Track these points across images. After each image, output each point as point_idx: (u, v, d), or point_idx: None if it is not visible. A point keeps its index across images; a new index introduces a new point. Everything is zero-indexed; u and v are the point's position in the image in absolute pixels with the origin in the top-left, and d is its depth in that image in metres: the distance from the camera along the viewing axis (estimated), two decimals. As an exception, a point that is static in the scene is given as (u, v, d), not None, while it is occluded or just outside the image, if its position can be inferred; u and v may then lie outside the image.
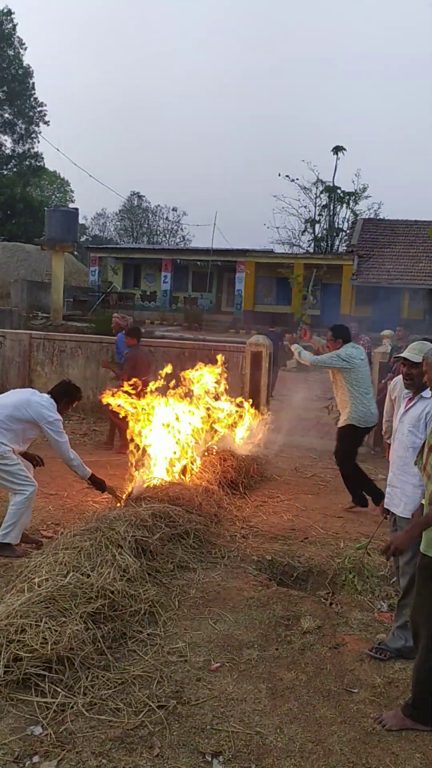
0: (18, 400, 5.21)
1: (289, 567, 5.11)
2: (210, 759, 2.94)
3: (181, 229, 59.44)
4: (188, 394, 7.08)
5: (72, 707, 3.20)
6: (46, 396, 5.24)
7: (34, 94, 46.02)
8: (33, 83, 45.78)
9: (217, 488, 6.36)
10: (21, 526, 5.05)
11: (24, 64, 45.23)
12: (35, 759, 2.89)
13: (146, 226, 60.43)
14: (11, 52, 44.71)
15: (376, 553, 4.94)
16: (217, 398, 7.51)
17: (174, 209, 59.38)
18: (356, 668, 3.72)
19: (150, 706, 3.26)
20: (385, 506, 4.06)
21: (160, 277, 35.79)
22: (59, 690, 3.28)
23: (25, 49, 45.25)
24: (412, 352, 3.79)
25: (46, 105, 46.88)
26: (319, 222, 42.19)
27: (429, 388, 3.60)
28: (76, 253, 37.56)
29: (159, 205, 60.33)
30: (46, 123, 46.90)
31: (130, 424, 6.46)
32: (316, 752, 3.02)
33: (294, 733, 3.15)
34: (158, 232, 60.02)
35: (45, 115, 46.66)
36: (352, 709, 3.36)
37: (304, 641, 3.97)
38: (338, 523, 6.16)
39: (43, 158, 47.40)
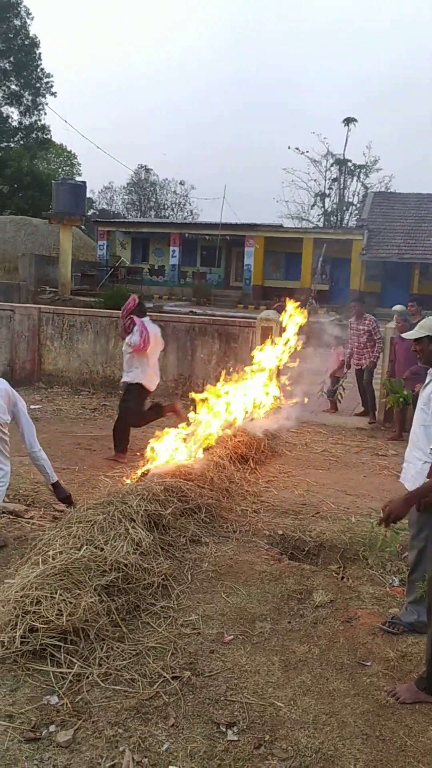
0: None
1: (301, 541, 5.13)
2: (224, 729, 2.97)
3: (190, 203, 58.96)
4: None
5: (87, 677, 3.24)
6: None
7: (41, 64, 45.42)
8: (39, 54, 45.15)
9: (228, 463, 6.37)
10: None
11: (30, 35, 44.57)
12: (52, 728, 2.92)
13: (154, 200, 59.93)
14: (17, 22, 44.03)
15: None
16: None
17: (182, 183, 58.90)
18: (369, 642, 3.74)
19: (164, 677, 3.29)
20: (400, 480, 4.04)
21: (168, 252, 35.58)
22: (75, 660, 3.32)
23: (32, 18, 44.58)
24: (417, 329, 3.74)
25: (52, 76, 46.33)
26: (329, 195, 41.81)
27: None
28: (83, 227, 37.30)
29: (167, 179, 59.77)
30: (53, 94, 46.38)
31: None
32: (330, 724, 3.05)
33: (307, 705, 3.17)
34: (166, 206, 59.55)
35: (52, 86, 46.11)
36: (366, 682, 3.38)
37: (316, 615, 3.99)
38: (349, 498, 6.16)
39: (50, 131, 46.94)
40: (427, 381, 3.82)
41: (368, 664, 3.53)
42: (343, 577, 4.61)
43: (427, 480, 3.47)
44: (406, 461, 3.91)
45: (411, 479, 3.78)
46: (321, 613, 4.02)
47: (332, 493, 6.28)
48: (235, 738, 2.93)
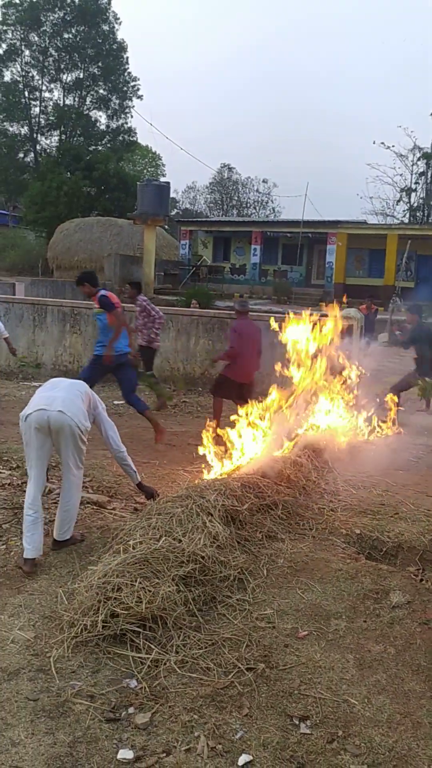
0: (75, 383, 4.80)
1: (378, 542, 5.07)
2: (297, 722, 3.01)
3: (272, 200, 58.80)
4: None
5: (165, 663, 3.35)
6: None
7: (128, 68, 46.49)
8: (127, 58, 46.24)
9: (306, 461, 6.37)
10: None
11: (118, 39, 45.70)
12: (130, 710, 3.05)
13: (236, 198, 60.15)
14: (106, 27, 45.25)
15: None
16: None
17: (264, 181, 58.74)
18: (448, 644, 3.68)
19: (239, 667, 3.36)
20: None
21: (249, 250, 35.62)
22: (153, 647, 3.44)
23: (120, 23, 45.70)
24: None
25: (139, 79, 47.31)
26: (415, 190, 40.65)
27: None
28: (167, 226, 37.94)
29: (249, 177, 59.87)
30: (140, 98, 47.37)
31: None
32: (404, 724, 3.03)
33: (382, 703, 3.16)
34: (248, 205, 59.65)
35: (138, 89, 47.12)
36: (442, 685, 3.33)
37: (392, 615, 3.96)
38: (430, 500, 6.03)
39: (136, 133, 48.01)
40: None
41: (446, 667, 3.48)
42: (421, 579, 4.54)
43: None
44: None
45: None
46: (397, 613, 3.98)
47: (412, 494, 6.16)
48: (308, 731, 2.96)
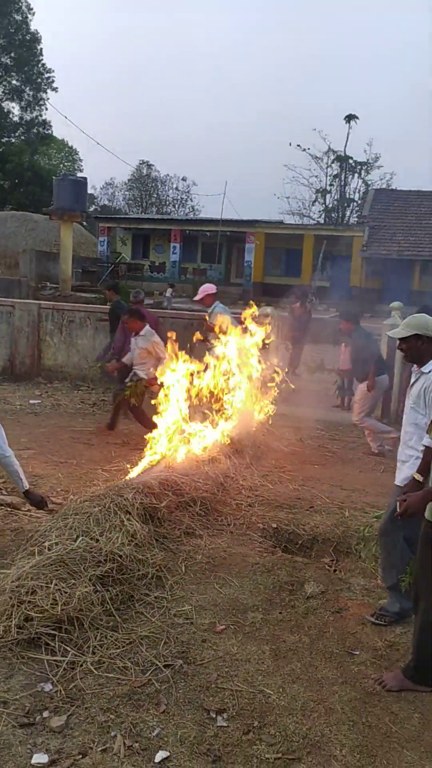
0: None
1: (294, 535, 5.19)
2: (214, 716, 3.04)
3: (191, 199, 58.89)
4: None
5: (81, 665, 3.31)
6: None
7: (42, 60, 45.43)
8: (41, 49, 45.17)
9: (224, 458, 6.43)
10: None
11: (31, 30, 44.57)
12: (45, 714, 2.99)
13: (155, 196, 59.88)
14: (18, 17, 44.04)
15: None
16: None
17: (183, 179, 58.75)
18: (358, 631, 3.81)
19: (157, 665, 3.36)
20: (396, 483, 4.07)
21: (169, 248, 35.58)
22: (69, 649, 3.39)
23: (33, 14, 44.62)
24: (403, 327, 3.79)
25: (53, 71, 46.32)
26: (330, 192, 41.78)
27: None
28: (84, 223, 37.37)
29: (168, 175, 59.68)
30: (54, 90, 46.40)
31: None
32: (318, 711, 3.12)
33: (296, 692, 3.24)
34: (167, 203, 59.49)
35: (53, 81, 46.15)
36: (354, 671, 3.45)
37: (307, 605, 4.06)
38: (344, 493, 6.22)
39: (51, 126, 47.01)
40: (413, 380, 3.87)
41: (356, 653, 3.60)
42: (335, 570, 4.68)
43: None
44: (400, 461, 3.94)
45: (404, 479, 3.83)
46: (312, 603, 4.08)
47: (327, 488, 6.34)
48: (225, 724, 3.00)
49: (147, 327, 7.87)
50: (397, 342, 3.88)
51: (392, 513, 3.81)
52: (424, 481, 3.57)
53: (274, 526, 5.27)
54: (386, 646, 3.68)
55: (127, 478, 5.40)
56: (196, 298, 9.34)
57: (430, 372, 3.72)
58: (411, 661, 3.33)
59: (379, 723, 3.07)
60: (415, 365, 3.86)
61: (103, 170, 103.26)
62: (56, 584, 3.65)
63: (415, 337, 3.71)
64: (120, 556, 4.09)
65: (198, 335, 8.26)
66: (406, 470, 3.85)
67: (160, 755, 2.77)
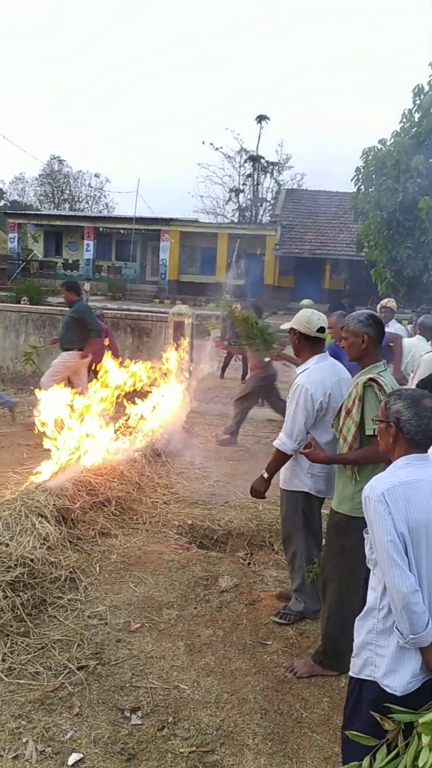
0: None
1: (209, 530, 5.24)
2: (128, 714, 3.05)
3: (104, 196, 58.12)
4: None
5: (-9, 673, 3.23)
6: None
7: None
8: None
9: (140, 457, 6.41)
10: None
11: None
12: None
13: (68, 192, 58.72)
14: None
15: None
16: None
17: (96, 175, 57.93)
18: (271, 622, 3.89)
19: (70, 668, 3.33)
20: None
21: (82, 246, 35.02)
22: (-23, 657, 3.30)
23: None
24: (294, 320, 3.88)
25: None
26: (243, 191, 42.27)
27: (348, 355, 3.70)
28: (-7, 219, 36.22)
29: (81, 171, 58.64)
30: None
31: None
32: (231, 702, 3.17)
33: (210, 685, 3.29)
34: (81, 199, 58.46)
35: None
36: (266, 660, 3.53)
37: (221, 599, 4.12)
38: (258, 488, 6.32)
39: None
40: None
41: (269, 643, 3.69)
42: (249, 563, 4.76)
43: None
44: None
45: (282, 470, 3.94)
46: (226, 597, 4.14)
47: (241, 483, 6.41)
48: (139, 722, 3.01)
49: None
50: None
51: (285, 517, 3.92)
52: (269, 479, 3.83)
53: (190, 522, 5.31)
54: (297, 634, 3.79)
55: (38, 481, 5.27)
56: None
57: (301, 373, 3.78)
58: (320, 647, 3.44)
59: (291, 710, 3.16)
60: None
61: (12, 165, 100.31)
62: (-36, 592, 3.54)
63: (292, 331, 3.81)
64: (31, 560, 4.01)
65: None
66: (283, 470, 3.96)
67: (73, 758, 2.75)
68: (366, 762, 2.07)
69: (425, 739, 1.95)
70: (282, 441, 3.72)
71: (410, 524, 2.12)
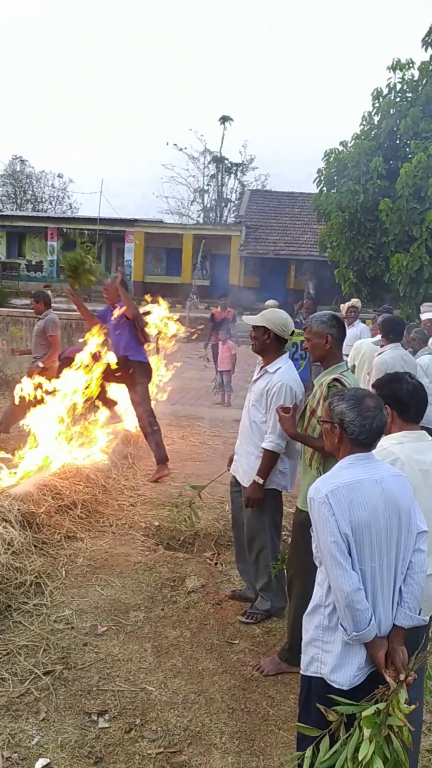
0: None
1: (176, 531, 5.25)
2: (96, 718, 3.04)
3: (68, 196, 57.56)
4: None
5: None
6: None
7: None
8: None
9: (106, 459, 6.38)
10: None
11: None
12: None
13: (31, 192, 58.02)
14: None
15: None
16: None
17: (60, 175, 57.32)
18: (237, 621, 3.92)
19: (36, 673, 3.30)
20: (231, 471, 4.21)
21: (46, 247, 34.64)
22: None
23: None
24: (259, 317, 3.88)
25: None
26: (207, 192, 42.29)
27: (311, 357, 3.73)
28: None
29: (44, 171, 58.06)
30: None
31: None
32: (198, 702, 3.19)
33: (177, 686, 3.29)
34: (44, 200, 57.81)
35: None
36: (233, 660, 3.55)
37: (188, 600, 4.13)
38: (224, 488, 6.33)
39: None
40: (257, 375, 3.94)
41: (236, 642, 3.71)
42: (216, 563, 4.78)
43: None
44: (237, 454, 4.07)
45: (242, 472, 3.95)
46: (193, 598, 4.16)
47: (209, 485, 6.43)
48: (107, 725, 3.00)
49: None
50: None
51: (252, 516, 3.93)
52: (264, 484, 3.77)
53: (157, 524, 5.31)
54: (264, 632, 3.82)
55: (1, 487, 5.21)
56: None
57: (275, 372, 3.79)
58: (286, 644, 3.48)
59: (258, 708, 3.19)
60: (260, 360, 3.94)
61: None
62: None
63: (263, 330, 3.83)
64: (-5, 566, 3.96)
65: None
66: (244, 464, 3.95)
67: (39, 763, 2.73)
68: (309, 752, 2.12)
69: (366, 732, 2.00)
70: (276, 442, 3.72)
71: (353, 524, 2.16)
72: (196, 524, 4.63)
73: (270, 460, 3.76)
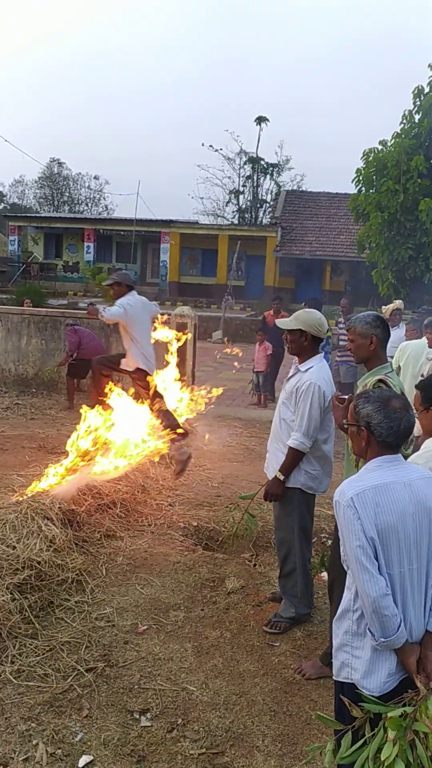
0: None
1: (215, 532, 5.25)
2: (138, 716, 3.05)
3: (104, 198, 58.16)
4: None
5: (0, 675, 3.23)
6: None
7: None
8: None
9: (145, 460, 6.41)
10: None
11: None
12: (-37, 727, 2.90)
13: (68, 194, 58.74)
14: None
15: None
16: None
17: (96, 177, 57.94)
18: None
19: (78, 670, 3.33)
20: (264, 469, 4.20)
21: (82, 248, 35.03)
22: (-14, 660, 3.30)
23: None
24: (292, 319, 3.87)
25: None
26: (242, 193, 42.30)
27: (354, 358, 3.67)
28: (-7, 221, 36.24)
29: (80, 173, 58.68)
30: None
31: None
32: (240, 703, 3.17)
33: (219, 687, 3.29)
34: (80, 201, 58.50)
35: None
36: (274, 662, 3.53)
37: (228, 601, 4.12)
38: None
39: None
40: (291, 373, 3.94)
41: (276, 644, 3.69)
42: (255, 564, 4.76)
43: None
44: (268, 452, 4.06)
45: (272, 470, 3.93)
46: (233, 599, 4.15)
47: (246, 485, 6.43)
48: (149, 724, 3.01)
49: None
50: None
51: (280, 516, 3.91)
52: (285, 480, 3.76)
53: (195, 524, 5.31)
54: (305, 636, 3.79)
55: (44, 486, 5.25)
56: None
57: (306, 371, 3.79)
58: (328, 648, 3.43)
59: (300, 711, 3.16)
60: (296, 360, 3.93)
61: (12, 167, 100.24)
62: (-29, 594, 3.54)
63: (299, 332, 3.81)
64: (38, 563, 4.01)
65: None
66: (273, 462, 3.96)
67: (83, 760, 2.75)
68: (330, 744, 2.09)
69: (391, 734, 1.97)
70: (300, 440, 3.71)
71: (380, 528, 2.11)
72: (254, 532, 4.63)
73: (294, 457, 3.75)
